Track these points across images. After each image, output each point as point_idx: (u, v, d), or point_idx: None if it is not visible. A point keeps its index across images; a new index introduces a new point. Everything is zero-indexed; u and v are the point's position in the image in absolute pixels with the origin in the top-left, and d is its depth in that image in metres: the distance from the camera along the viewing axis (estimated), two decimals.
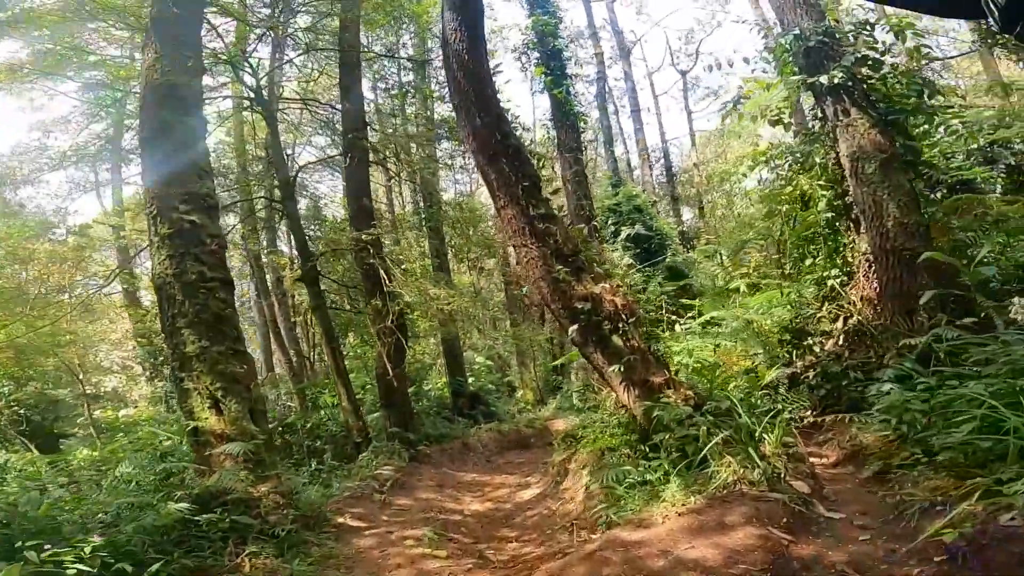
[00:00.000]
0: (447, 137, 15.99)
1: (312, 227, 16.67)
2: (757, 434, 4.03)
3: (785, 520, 3.48)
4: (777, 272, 6.17)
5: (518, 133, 6.62)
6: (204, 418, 4.81)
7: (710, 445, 3.86)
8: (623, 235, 16.10)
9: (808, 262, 5.92)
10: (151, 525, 3.85)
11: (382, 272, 9.26)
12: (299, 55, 13.93)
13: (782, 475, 3.91)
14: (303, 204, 19.58)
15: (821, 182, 5.95)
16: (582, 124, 13.68)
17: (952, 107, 5.94)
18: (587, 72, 22.41)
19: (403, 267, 11.38)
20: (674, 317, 7.73)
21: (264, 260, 17.43)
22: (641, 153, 23.95)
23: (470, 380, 17.53)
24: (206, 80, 13.42)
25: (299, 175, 19.56)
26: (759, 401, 4.51)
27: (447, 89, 6.65)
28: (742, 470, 3.90)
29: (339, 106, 11.84)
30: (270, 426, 10.99)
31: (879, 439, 4.45)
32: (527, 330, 21.87)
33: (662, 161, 25.44)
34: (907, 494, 3.46)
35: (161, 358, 19.81)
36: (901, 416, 4.06)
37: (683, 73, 26.76)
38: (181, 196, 5.42)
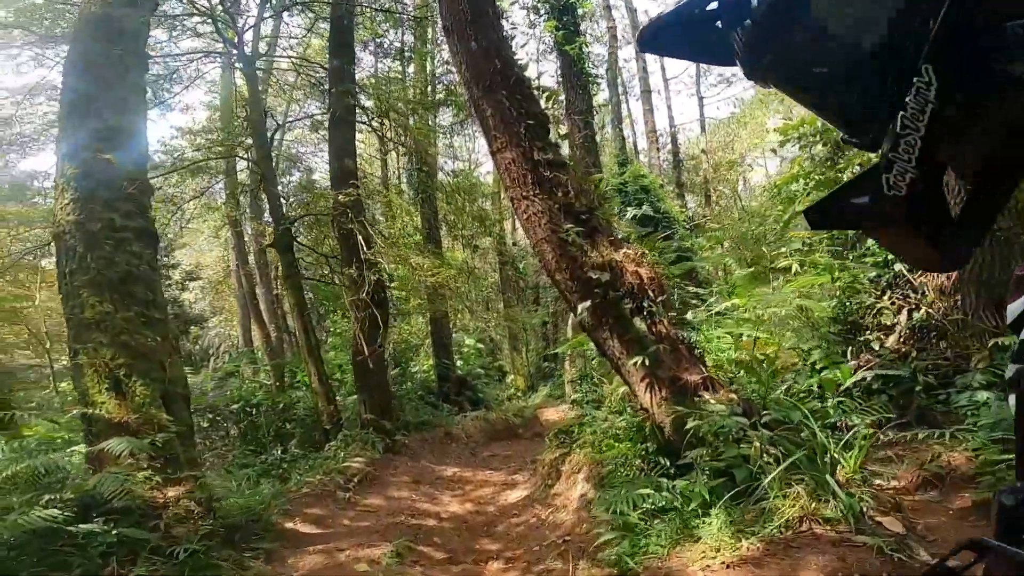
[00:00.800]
0: (447, 103, 14.92)
1: (305, 196, 15.61)
2: (832, 455, 2.98)
3: None
4: (829, 253, 5.10)
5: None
6: (100, 402, 3.71)
7: (776, 472, 2.80)
8: (628, 215, 15.03)
9: (871, 241, 4.86)
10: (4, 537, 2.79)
11: (360, 238, 8.11)
12: (286, 8, 12.78)
13: (865, 510, 2.88)
14: (296, 175, 18.42)
15: None
16: (593, 87, 12.50)
17: None
18: (597, 51, 21.16)
19: (386, 235, 10.27)
20: (695, 303, 6.71)
21: (249, 228, 16.37)
22: (649, 135, 22.82)
23: (458, 363, 16.51)
24: (191, 43, 12.38)
25: (294, 145, 18.36)
26: (831, 411, 3.47)
27: (440, 21, 5.49)
28: (812, 504, 2.86)
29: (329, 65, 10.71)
30: (231, 407, 9.99)
31: (975, 460, 3.43)
32: (521, 313, 20.88)
33: (669, 146, 24.32)
34: None
35: None
36: None
37: None
38: (98, 132, 4.35)
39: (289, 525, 4.64)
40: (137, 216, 4.34)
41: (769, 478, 2.85)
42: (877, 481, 3.47)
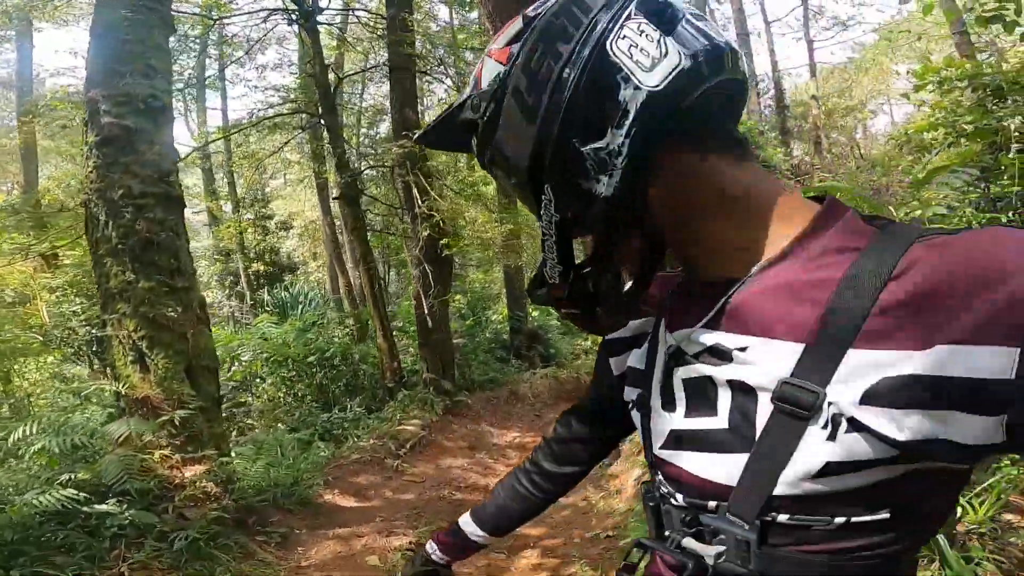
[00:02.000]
0: None
1: (377, 148, 15.60)
2: None
3: None
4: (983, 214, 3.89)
5: None
6: (126, 376, 3.66)
7: None
8: None
9: None
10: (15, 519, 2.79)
11: (415, 190, 7.75)
12: None
13: None
14: (383, 127, 18.40)
15: None
16: None
17: None
18: None
19: (454, 188, 9.87)
20: None
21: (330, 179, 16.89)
22: (748, 79, 20.45)
23: (534, 315, 16.14)
24: (267, 2, 12.31)
25: (376, 98, 18.30)
26: None
27: None
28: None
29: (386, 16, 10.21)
30: (308, 359, 10.28)
31: None
32: None
33: (772, 91, 21.66)
34: None
35: (231, 277, 20.18)
36: None
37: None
38: (116, 98, 4.21)
39: (328, 497, 4.54)
40: (159, 181, 4.18)
41: None
42: (1012, 539, 2.56)
